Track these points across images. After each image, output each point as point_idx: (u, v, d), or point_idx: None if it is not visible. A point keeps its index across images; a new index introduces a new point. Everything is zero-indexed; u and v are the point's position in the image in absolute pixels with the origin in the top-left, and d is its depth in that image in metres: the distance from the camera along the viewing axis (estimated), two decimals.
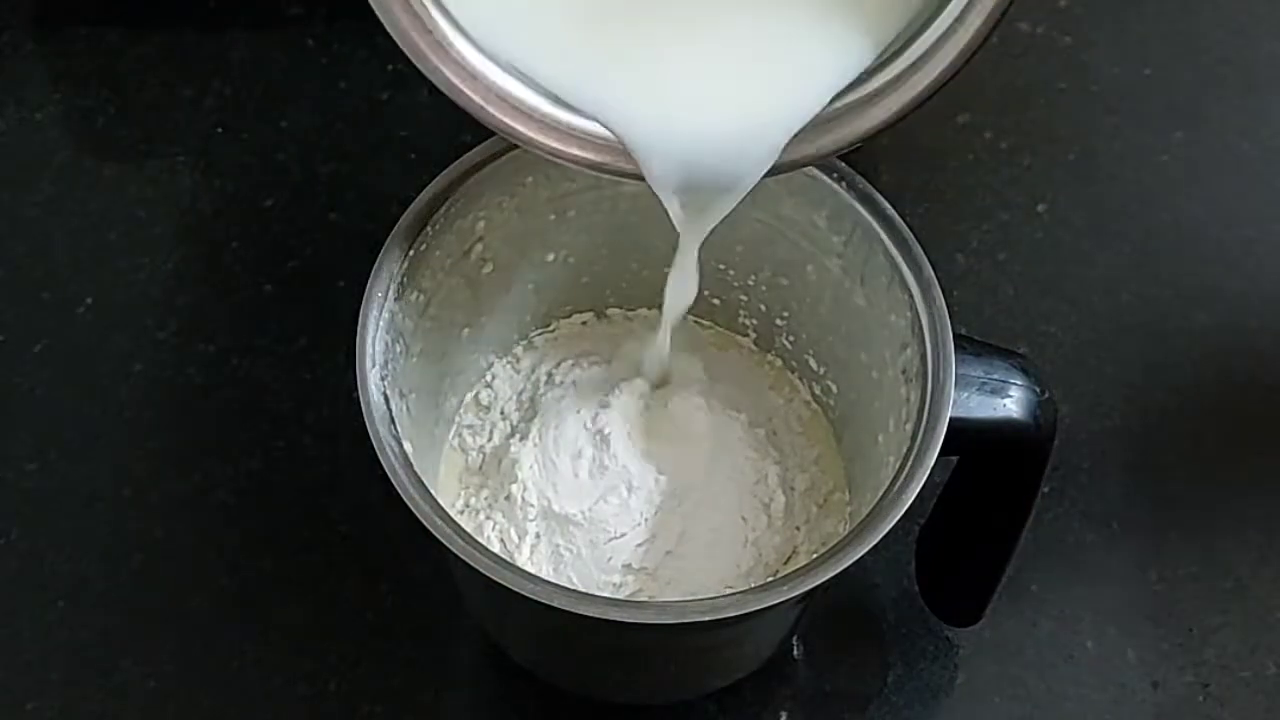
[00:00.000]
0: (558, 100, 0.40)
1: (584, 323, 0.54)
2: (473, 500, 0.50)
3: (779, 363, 0.53)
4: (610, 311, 0.54)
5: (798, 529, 0.49)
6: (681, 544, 0.47)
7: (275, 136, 0.64)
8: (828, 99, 0.38)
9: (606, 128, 0.40)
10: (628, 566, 0.47)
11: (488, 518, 0.49)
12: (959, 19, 0.36)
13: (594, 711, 0.52)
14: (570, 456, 0.48)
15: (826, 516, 0.50)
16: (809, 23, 0.38)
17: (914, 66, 0.37)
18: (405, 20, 0.38)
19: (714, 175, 0.40)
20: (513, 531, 0.48)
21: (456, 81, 0.39)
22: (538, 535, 0.48)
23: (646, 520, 0.47)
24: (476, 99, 0.39)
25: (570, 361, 0.52)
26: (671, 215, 0.42)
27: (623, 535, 0.47)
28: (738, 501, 0.48)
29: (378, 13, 0.38)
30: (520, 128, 0.40)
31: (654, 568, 0.47)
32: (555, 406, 0.50)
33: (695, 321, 0.54)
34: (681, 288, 0.46)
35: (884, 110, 0.38)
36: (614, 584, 0.47)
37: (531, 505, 0.48)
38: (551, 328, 0.54)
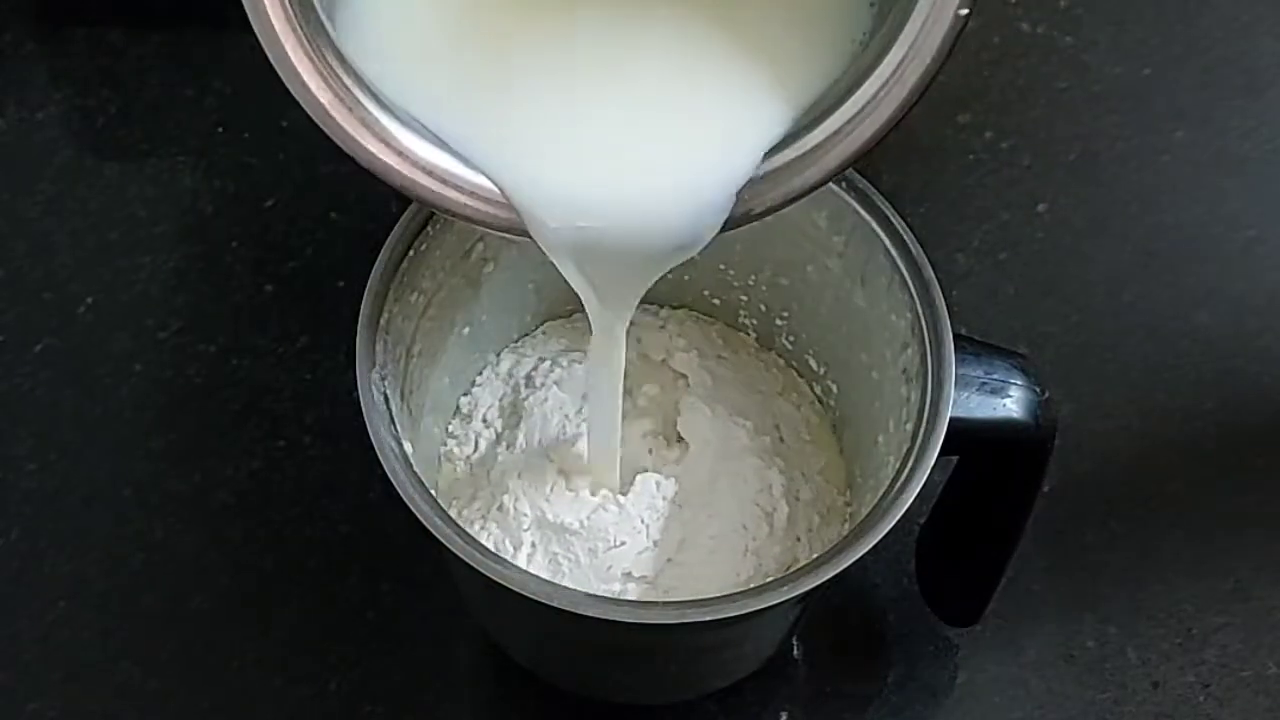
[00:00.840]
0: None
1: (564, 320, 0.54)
2: (465, 511, 0.49)
3: (784, 364, 0.53)
4: None
5: (799, 539, 0.49)
6: (682, 552, 0.47)
7: (276, 136, 0.64)
8: (757, 159, 0.38)
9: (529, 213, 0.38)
10: (627, 574, 0.47)
11: (481, 528, 0.48)
12: (898, 70, 0.36)
13: (594, 711, 0.52)
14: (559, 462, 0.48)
15: (828, 525, 0.50)
16: (723, 85, 0.38)
17: (855, 119, 0.37)
18: (324, 99, 0.37)
19: (661, 245, 0.39)
20: (507, 542, 0.48)
21: (384, 158, 0.38)
22: (533, 544, 0.47)
23: (647, 527, 0.47)
24: (405, 173, 0.38)
25: (549, 362, 0.52)
26: (587, 305, 0.41)
27: (622, 544, 0.47)
28: (739, 510, 0.48)
29: (292, 91, 0.37)
30: (454, 197, 0.38)
31: (654, 576, 0.47)
32: (539, 410, 0.50)
33: (701, 318, 0.54)
34: (602, 413, 0.45)
35: (832, 160, 0.38)
36: (614, 592, 0.47)
37: (525, 515, 0.47)
38: (535, 329, 0.53)
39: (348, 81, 0.37)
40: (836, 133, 0.37)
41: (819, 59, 0.38)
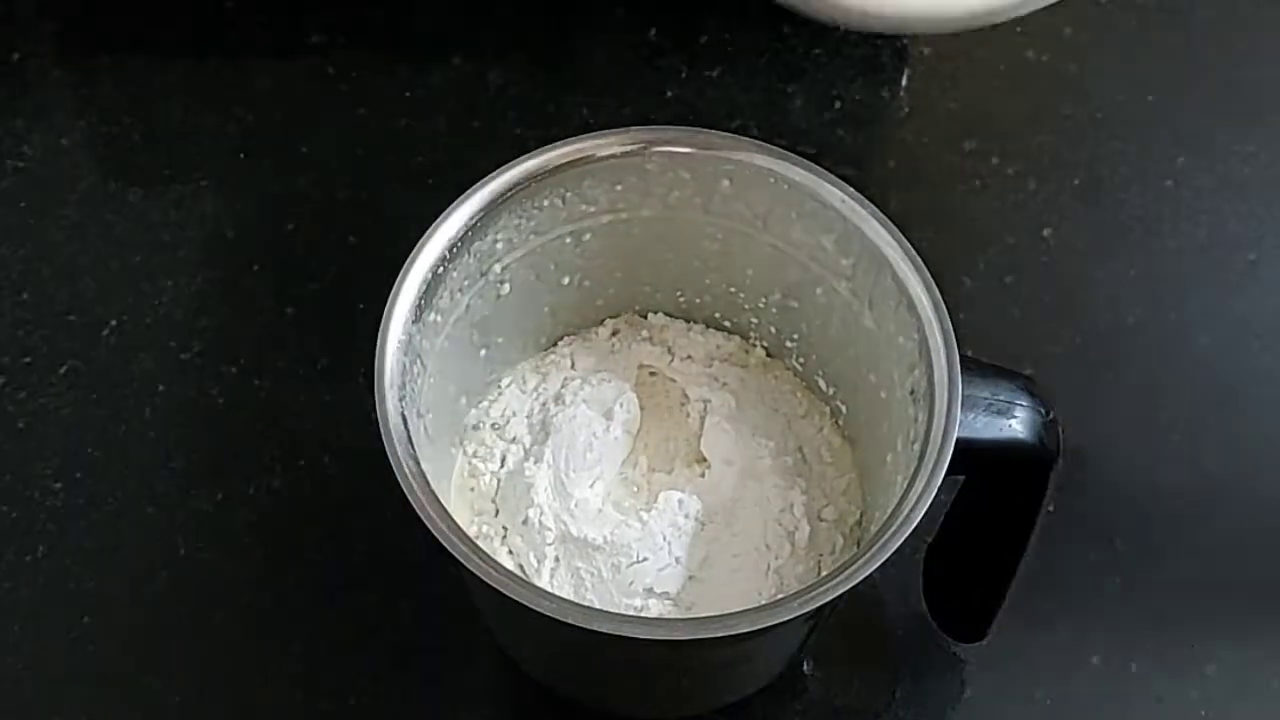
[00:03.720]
0: None
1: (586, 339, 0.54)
2: (485, 528, 0.50)
3: (804, 384, 0.53)
4: (608, 320, 0.54)
5: (821, 556, 0.49)
6: (704, 569, 0.48)
7: (296, 162, 0.65)
8: None
9: None
10: (649, 590, 0.47)
11: (503, 543, 0.49)
12: None
13: None
14: (586, 478, 0.49)
15: (850, 547, 0.50)
16: None
17: None
18: None
19: None
20: (531, 556, 0.48)
21: None
22: (557, 559, 0.48)
23: (669, 544, 0.47)
24: None
25: (579, 380, 0.52)
26: None
27: (645, 560, 0.47)
28: (761, 529, 0.49)
29: None
30: None
31: (676, 592, 0.47)
32: (568, 426, 0.50)
33: (723, 335, 0.54)
34: None
35: None
36: (635, 608, 0.47)
37: (549, 529, 0.48)
38: (559, 346, 0.54)
39: None
40: None
41: None
